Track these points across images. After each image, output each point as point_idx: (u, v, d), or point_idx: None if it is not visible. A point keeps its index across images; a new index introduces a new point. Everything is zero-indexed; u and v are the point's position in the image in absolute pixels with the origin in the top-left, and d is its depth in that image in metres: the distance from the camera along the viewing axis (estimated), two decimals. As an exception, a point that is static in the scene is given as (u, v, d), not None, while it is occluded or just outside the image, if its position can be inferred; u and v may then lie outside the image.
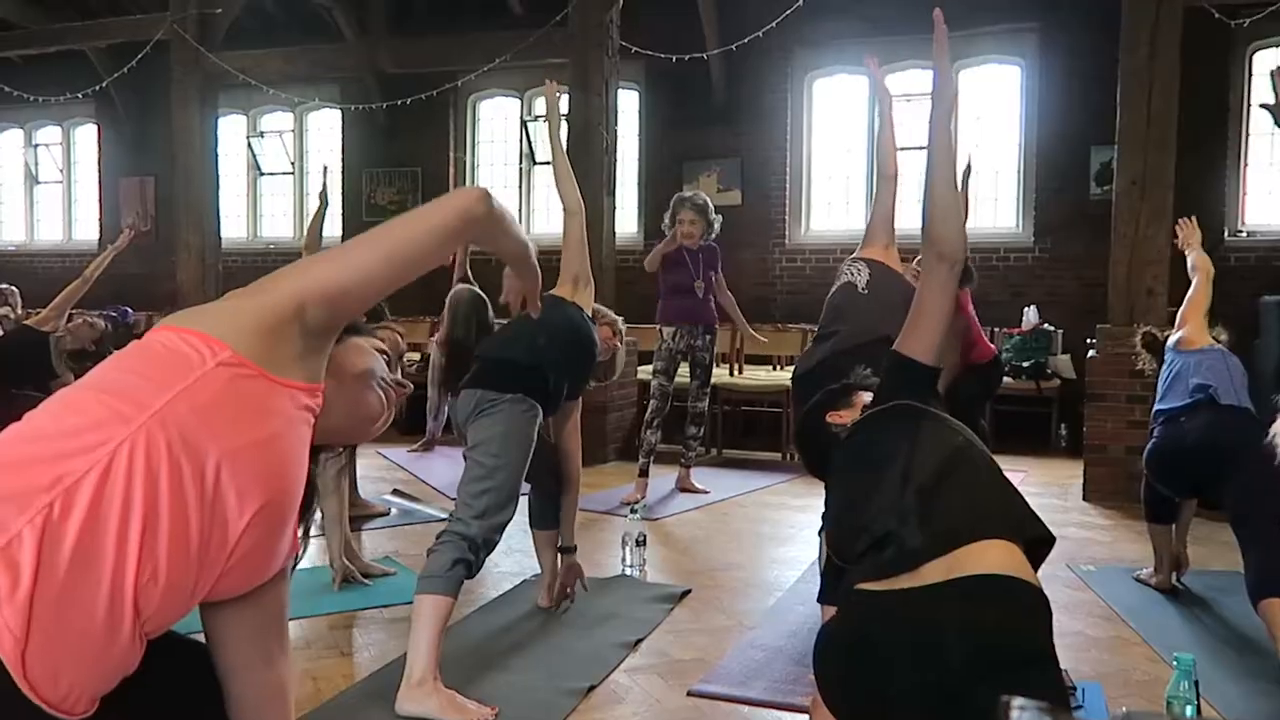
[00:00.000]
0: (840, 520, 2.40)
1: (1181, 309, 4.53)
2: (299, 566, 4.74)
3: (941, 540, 2.01)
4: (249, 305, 1.43)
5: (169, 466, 1.29)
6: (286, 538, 1.50)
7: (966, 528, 2.02)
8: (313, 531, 4.69)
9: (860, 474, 2.32)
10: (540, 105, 9.84)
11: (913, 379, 2.41)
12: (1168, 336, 4.50)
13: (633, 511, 4.80)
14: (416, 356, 8.56)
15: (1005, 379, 6.71)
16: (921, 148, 2.58)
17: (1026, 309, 8.22)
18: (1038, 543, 2.11)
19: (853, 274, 3.86)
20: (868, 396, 2.59)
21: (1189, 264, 4.64)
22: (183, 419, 1.31)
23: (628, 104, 9.13)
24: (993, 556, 1.97)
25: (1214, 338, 4.36)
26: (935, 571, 1.97)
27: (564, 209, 3.86)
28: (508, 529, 3.34)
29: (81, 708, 1.27)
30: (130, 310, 9.28)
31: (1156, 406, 4.31)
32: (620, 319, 4.00)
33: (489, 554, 3.26)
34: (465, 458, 3.42)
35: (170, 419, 1.30)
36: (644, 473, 6.22)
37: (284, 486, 1.42)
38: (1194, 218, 4.84)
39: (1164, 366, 4.39)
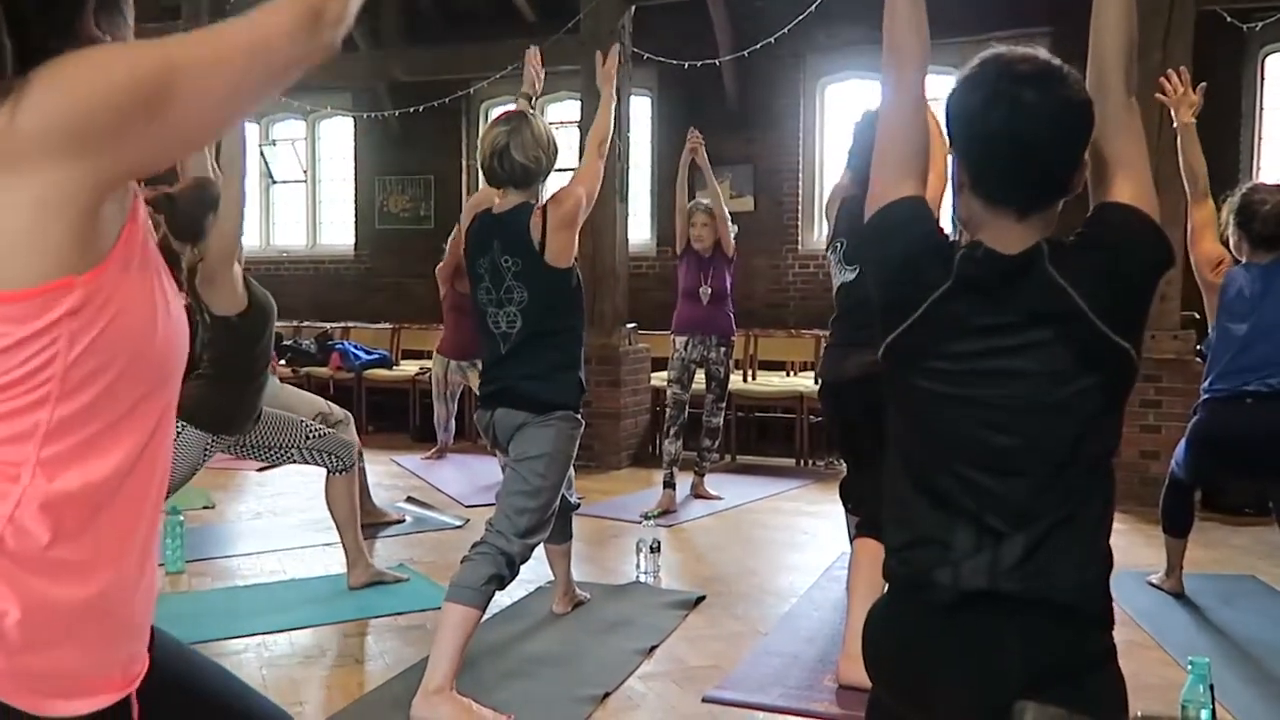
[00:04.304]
0: None
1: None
2: (314, 576, 4.71)
3: None
4: None
5: None
6: None
7: None
8: (325, 542, 4.69)
9: None
10: (553, 113, 9.86)
11: None
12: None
13: (647, 517, 4.80)
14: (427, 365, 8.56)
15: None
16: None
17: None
18: None
19: None
20: None
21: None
22: None
23: (640, 110, 9.13)
24: None
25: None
26: None
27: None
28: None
29: None
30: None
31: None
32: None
33: (520, 567, 3.26)
34: (508, 467, 3.33)
35: None
36: (669, 484, 6.06)
37: None
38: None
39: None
